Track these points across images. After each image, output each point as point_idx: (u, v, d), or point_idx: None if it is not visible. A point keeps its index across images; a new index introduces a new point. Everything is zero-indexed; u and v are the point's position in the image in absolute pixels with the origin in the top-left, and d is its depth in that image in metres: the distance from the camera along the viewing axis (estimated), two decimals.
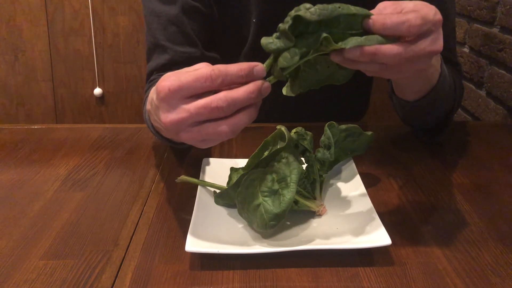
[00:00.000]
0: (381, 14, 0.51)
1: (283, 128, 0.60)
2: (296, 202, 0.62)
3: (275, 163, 0.59)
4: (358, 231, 0.59)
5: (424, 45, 0.52)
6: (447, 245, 0.60)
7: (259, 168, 0.60)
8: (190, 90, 0.49)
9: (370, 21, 0.51)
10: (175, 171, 0.78)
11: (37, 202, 0.69)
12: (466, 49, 1.41)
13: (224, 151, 0.84)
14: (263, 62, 0.52)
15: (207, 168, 0.73)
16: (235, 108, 0.49)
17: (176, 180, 0.68)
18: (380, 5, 0.54)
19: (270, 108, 0.84)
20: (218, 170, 0.72)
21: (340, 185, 0.71)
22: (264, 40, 0.51)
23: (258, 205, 0.57)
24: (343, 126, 0.70)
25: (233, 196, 0.61)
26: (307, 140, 0.66)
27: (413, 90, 0.75)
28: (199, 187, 0.67)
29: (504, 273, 0.55)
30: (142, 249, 0.59)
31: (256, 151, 0.61)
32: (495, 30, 1.25)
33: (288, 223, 0.62)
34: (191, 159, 0.82)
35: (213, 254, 0.55)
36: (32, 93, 1.90)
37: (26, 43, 1.84)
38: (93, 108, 1.95)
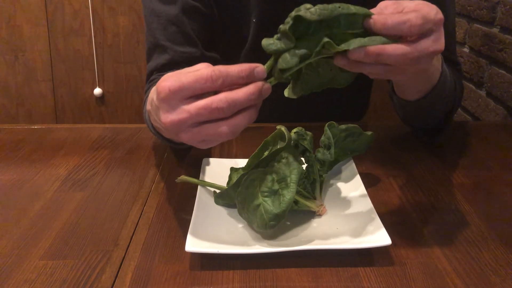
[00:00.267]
0: (382, 14, 0.51)
1: (283, 128, 0.60)
2: (296, 202, 0.62)
3: (275, 163, 0.59)
4: (358, 231, 0.59)
5: (427, 44, 0.51)
6: (447, 245, 0.60)
7: (259, 168, 0.60)
8: (191, 90, 0.49)
9: (371, 20, 0.51)
10: (175, 171, 0.78)
11: (37, 202, 0.69)
12: (466, 49, 1.41)
13: (224, 151, 0.84)
14: (263, 63, 0.52)
15: (207, 168, 0.73)
16: (235, 109, 0.49)
17: (176, 180, 0.68)
18: (381, 4, 0.54)
19: (271, 108, 0.84)
20: (218, 170, 0.72)
21: (340, 185, 0.71)
22: (265, 41, 0.51)
23: (258, 205, 0.57)
24: (343, 126, 0.70)
25: (233, 196, 0.61)
26: (307, 140, 0.66)
27: (414, 90, 0.75)
28: (199, 187, 0.67)
29: (504, 273, 0.55)
30: (142, 249, 0.59)
31: (256, 151, 0.61)
32: (495, 30, 1.25)
33: (288, 223, 0.62)
34: (191, 159, 0.82)
35: (213, 254, 0.55)
36: (32, 93, 1.90)
37: (26, 43, 1.84)
38: (93, 108, 1.95)
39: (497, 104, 1.24)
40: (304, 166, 0.64)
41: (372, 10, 0.53)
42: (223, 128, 0.49)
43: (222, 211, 0.64)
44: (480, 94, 1.33)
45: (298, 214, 0.63)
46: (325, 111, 1.03)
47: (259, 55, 0.56)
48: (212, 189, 0.67)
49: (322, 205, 0.64)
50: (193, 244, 0.55)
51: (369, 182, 0.74)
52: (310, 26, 0.50)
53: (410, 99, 0.77)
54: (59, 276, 0.54)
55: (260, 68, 0.50)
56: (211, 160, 0.76)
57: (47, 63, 1.87)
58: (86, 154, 0.84)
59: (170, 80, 0.49)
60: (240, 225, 0.61)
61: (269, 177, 0.58)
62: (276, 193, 0.57)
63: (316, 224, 0.62)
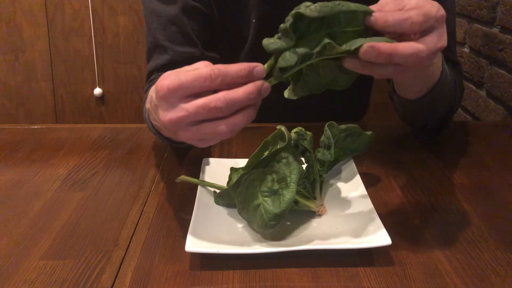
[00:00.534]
0: (382, 12, 0.51)
1: (283, 128, 0.60)
2: (296, 202, 0.62)
3: (275, 163, 0.59)
4: (358, 231, 0.59)
5: (433, 41, 0.51)
6: (447, 245, 0.60)
7: (259, 168, 0.60)
8: (189, 89, 0.49)
9: (372, 18, 0.50)
10: (175, 171, 0.78)
11: (37, 202, 0.69)
12: (466, 49, 1.41)
13: (224, 151, 0.84)
14: (263, 63, 0.52)
15: (207, 168, 0.73)
16: (233, 109, 0.49)
17: (176, 180, 0.68)
18: (382, 1, 0.54)
19: (271, 108, 0.84)
20: (218, 170, 0.72)
21: (340, 185, 0.71)
22: (266, 41, 0.51)
23: (258, 205, 0.57)
24: (343, 126, 0.70)
25: (233, 196, 0.61)
26: (307, 140, 0.66)
27: (415, 89, 0.75)
28: (199, 187, 0.67)
29: (504, 273, 0.55)
30: (142, 249, 0.59)
31: (256, 151, 0.61)
32: (495, 30, 1.25)
33: (288, 223, 0.62)
34: (191, 159, 0.82)
35: (213, 254, 0.55)
36: (32, 93, 1.90)
37: (26, 43, 1.84)
38: (93, 108, 1.95)
39: (497, 104, 1.24)
40: (304, 166, 0.64)
41: (373, 7, 0.52)
42: (222, 127, 0.49)
43: (222, 211, 0.64)
44: (480, 94, 1.33)
45: (298, 214, 0.63)
46: (325, 111, 1.03)
47: (259, 55, 0.56)
48: (212, 189, 0.67)
49: (322, 205, 0.64)
50: (193, 244, 0.55)
51: (369, 182, 0.74)
52: (310, 25, 0.50)
53: (411, 98, 0.77)
54: (59, 276, 0.54)
55: (259, 67, 0.50)
56: (211, 160, 0.76)
57: (47, 63, 1.87)
58: (86, 154, 0.84)
59: (169, 78, 0.49)
60: (240, 225, 0.61)
61: (269, 177, 0.58)
62: (276, 193, 0.57)
63: (316, 224, 0.62)
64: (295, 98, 0.57)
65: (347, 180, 0.71)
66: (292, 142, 0.64)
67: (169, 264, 0.56)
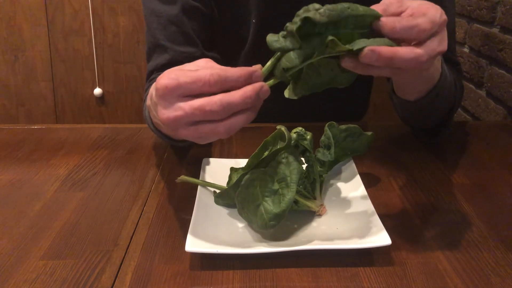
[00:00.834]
0: (391, 17, 0.51)
1: (283, 128, 0.60)
2: (296, 202, 0.62)
3: (275, 163, 0.59)
4: (358, 231, 0.59)
5: (433, 45, 0.52)
6: (447, 245, 0.60)
7: (259, 168, 0.60)
8: (187, 90, 0.49)
9: (380, 23, 0.51)
10: (175, 171, 0.78)
11: (37, 202, 0.69)
12: (466, 49, 1.41)
13: (224, 151, 0.84)
14: (263, 62, 0.52)
15: (207, 168, 0.73)
16: (230, 112, 0.49)
17: (176, 180, 0.68)
18: (385, 2, 0.54)
19: (271, 108, 0.84)
20: (218, 170, 0.72)
21: (340, 185, 0.71)
22: (270, 38, 0.51)
23: (258, 205, 0.57)
24: (343, 126, 0.70)
25: (233, 196, 0.61)
26: (307, 140, 0.66)
27: (414, 90, 0.75)
28: (199, 187, 0.67)
29: (504, 273, 0.55)
30: (142, 249, 0.59)
31: (256, 151, 0.61)
32: (495, 30, 1.25)
33: (288, 223, 0.62)
34: (191, 159, 0.82)
35: (213, 254, 0.55)
36: (32, 93, 1.90)
37: (26, 43, 1.84)
38: (93, 108, 1.95)
39: (497, 104, 1.24)
40: (304, 166, 0.64)
41: (376, 6, 0.52)
42: (219, 128, 0.50)
43: (222, 211, 0.64)
44: (480, 94, 1.33)
45: (298, 214, 0.63)
46: (325, 111, 1.03)
47: (259, 55, 0.56)
48: (212, 189, 0.67)
49: (322, 205, 0.64)
50: (193, 244, 0.55)
51: (369, 182, 0.74)
52: (316, 26, 0.50)
53: (410, 99, 0.77)
54: (59, 276, 0.54)
55: (258, 72, 0.50)
56: (211, 160, 0.76)
57: (47, 63, 1.87)
58: (86, 154, 0.84)
59: (169, 77, 0.49)
60: (240, 225, 0.61)
61: (269, 177, 0.58)
62: (276, 193, 0.57)
63: (316, 224, 0.62)
64: (295, 97, 0.57)
65: (347, 180, 0.71)
66: (292, 142, 0.64)
67: (169, 264, 0.56)
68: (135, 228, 0.63)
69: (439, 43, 0.53)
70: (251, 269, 0.55)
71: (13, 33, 1.83)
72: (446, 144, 0.90)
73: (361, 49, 0.50)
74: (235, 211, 0.62)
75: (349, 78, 0.56)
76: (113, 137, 0.91)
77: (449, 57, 0.87)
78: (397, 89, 0.79)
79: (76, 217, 0.65)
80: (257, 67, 0.51)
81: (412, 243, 0.60)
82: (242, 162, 0.71)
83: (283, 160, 0.58)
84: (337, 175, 0.73)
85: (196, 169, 0.73)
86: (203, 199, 0.65)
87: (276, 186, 0.57)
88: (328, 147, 0.70)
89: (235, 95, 0.49)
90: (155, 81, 0.89)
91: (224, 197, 0.64)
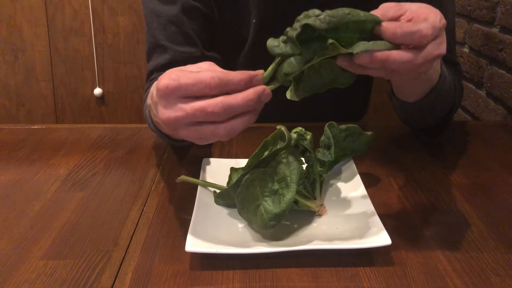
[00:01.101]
0: (392, 23, 0.51)
1: (283, 128, 0.60)
2: (296, 202, 0.62)
3: (275, 163, 0.59)
4: (358, 231, 0.59)
5: (431, 49, 0.52)
6: (447, 245, 0.60)
7: (259, 168, 0.60)
8: (188, 91, 0.49)
9: (381, 28, 0.51)
10: (175, 171, 0.78)
11: (37, 202, 0.69)
12: (466, 49, 1.41)
13: (224, 151, 0.84)
14: (263, 63, 0.52)
15: (207, 168, 0.73)
16: (231, 114, 0.49)
17: (176, 180, 0.68)
18: (383, 6, 0.54)
19: (271, 108, 0.83)
20: (218, 170, 0.72)
21: (340, 185, 0.71)
22: (270, 43, 0.51)
23: (258, 205, 0.57)
24: (343, 126, 0.70)
25: (233, 196, 0.61)
26: (307, 140, 0.66)
27: (413, 92, 0.75)
28: (199, 187, 0.67)
29: (504, 273, 0.55)
30: (142, 249, 0.59)
31: (256, 151, 0.61)
32: (495, 30, 1.25)
33: (288, 223, 0.62)
34: (191, 159, 0.82)
35: (213, 254, 0.55)
36: (32, 93, 1.90)
37: (26, 43, 1.84)
38: (93, 108, 1.95)
39: (497, 104, 1.24)
40: (304, 166, 0.64)
41: (375, 12, 0.53)
42: (220, 130, 0.50)
43: (222, 211, 0.64)
44: (480, 94, 1.33)
45: (298, 214, 0.63)
46: (325, 111, 1.03)
47: (259, 55, 0.56)
48: (212, 189, 0.67)
49: (322, 205, 0.64)
50: (193, 244, 0.55)
51: (369, 182, 0.74)
52: (316, 30, 0.50)
53: (409, 101, 0.77)
54: (59, 276, 0.54)
55: (258, 76, 0.50)
56: (211, 160, 0.76)
57: (47, 63, 1.87)
58: (86, 154, 0.84)
59: (169, 78, 0.50)
60: (240, 225, 0.61)
61: (269, 177, 0.58)
62: (276, 193, 0.57)
63: (316, 224, 0.62)
64: (297, 99, 0.57)
65: (347, 180, 0.71)
66: (292, 142, 0.64)
67: (169, 264, 0.56)
68: (135, 228, 0.63)
69: (437, 47, 0.53)
70: (251, 269, 0.55)
71: (13, 33, 1.83)
72: (446, 144, 0.90)
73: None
74: (235, 211, 0.62)
75: (350, 78, 0.56)
76: (113, 137, 0.91)
77: (449, 57, 0.87)
78: (396, 91, 0.79)
79: (76, 217, 0.65)
80: (259, 72, 0.51)
81: (412, 243, 0.60)
82: (242, 162, 0.71)
83: (283, 160, 0.58)
84: (337, 175, 0.73)
85: (196, 169, 0.73)
86: (203, 199, 0.65)
87: (276, 186, 0.57)
88: (328, 147, 0.70)
89: (237, 98, 0.49)
90: (155, 81, 0.89)
91: (224, 197, 0.64)
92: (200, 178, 0.70)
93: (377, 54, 0.50)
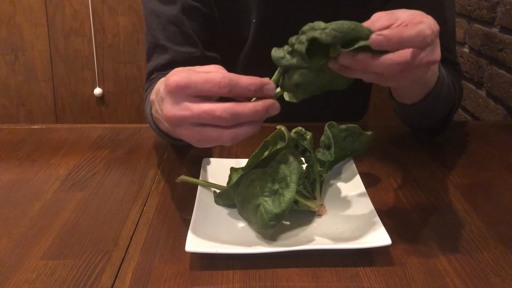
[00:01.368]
0: (395, 29, 0.50)
1: (283, 128, 0.60)
2: (296, 202, 0.62)
3: (275, 163, 0.59)
4: (358, 231, 0.59)
5: (421, 55, 0.51)
6: (447, 245, 0.60)
7: (259, 168, 0.60)
8: (197, 90, 0.49)
9: (374, 43, 0.49)
10: (175, 171, 0.78)
11: (37, 202, 0.69)
12: (466, 49, 1.41)
13: (224, 151, 0.84)
14: (263, 62, 0.52)
15: (207, 168, 0.73)
16: (237, 122, 0.50)
17: (176, 180, 0.68)
18: (374, 17, 0.54)
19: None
20: (218, 170, 0.72)
21: (340, 185, 0.71)
22: (276, 54, 0.52)
23: (258, 205, 0.57)
24: (343, 126, 0.70)
25: (233, 196, 0.61)
26: (307, 140, 0.66)
27: (411, 95, 0.75)
28: (199, 187, 0.67)
29: (504, 273, 0.55)
30: (142, 249, 0.59)
31: (256, 151, 0.61)
32: (495, 30, 1.25)
33: (288, 223, 0.62)
34: (191, 159, 0.82)
35: (213, 254, 0.55)
36: (32, 93, 1.90)
37: (26, 43, 1.84)
38: (93, 108, 1.95)
39: (497, 104, 1.24)
40: (304, 166, 0.64)
41: (366, 23, 0.52)
42: (224, 135, 0.50)
43: (222, 211, 0.64)
44: (480, 94, 1.33)
45: (298, 214, 0.63)
46: (325, 111, 1.02)
47: (259, 55, 0.56)
48: (212, 189, 0.67)
49: (322, 205, 0.64)
50: (193, 244, 0.55)
51: (369, 182, 0.74)
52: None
53: (407, 103, 0.77)
54: (59, 276, 0.54)
55: (271, 85, 0.51)
56: (211, 160, 0.76)
57: (47, 63, 1.87)
58: (86, 154, 0.84)
59: (181, 75, 0.50)
60: (240, 225, 0.61)
61: (269, 177, 0.58)
62: (276, 193, 0.57)
63: (316, 224, 0.62)
64: (296, 101, 0.57)
65: (347, 180, 0.71)
66: (292, 142, 0.64)
67: (169, 264, 0.56)
68: (135, 228, 0.63)
69: (430, 53, 0.52)
70: (251, 269, 0.55)
71: (13, 33, 1.83)
72: (446, 144, 0.90)
73: None
74: (235, 211, 0.62)
75: (347, 80, 0.56)
76: (113, 137, 0.91)
77: (448, 57, 0.87)
78: (394, 93, 0.79)
79: (76, 217, 0.65)
80: (270, 81, 0.51)
81: (412, 243, 0.60)
82: (242, 162, 0.71)
83: (283, 160, 0.58)
84: (337, 175, 0.73)
85: (196, 169, 0.73)
86: (203, 199, 0.65)
87: (276, 186, 0.57)
88: (328, 147, 0.70)
89: (246, 107, 0.49)
90: (155, 81, 0.89)
91: (224, 197, 0.64)
92: (200, 178, 0.70)
93: (359, 56, 0.50)
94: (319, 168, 0.68)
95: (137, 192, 0.72)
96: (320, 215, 0.64)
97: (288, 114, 0.98)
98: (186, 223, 0.59)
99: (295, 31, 0.52)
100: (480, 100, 1.33)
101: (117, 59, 1.88)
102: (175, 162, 0.81)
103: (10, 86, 1.89)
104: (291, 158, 0.58)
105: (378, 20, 0.53)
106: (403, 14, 0.53)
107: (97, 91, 1.90)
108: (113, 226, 0.63)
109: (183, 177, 0.68)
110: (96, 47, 1.85)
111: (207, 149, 0.84)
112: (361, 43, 0.50)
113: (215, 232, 0.58)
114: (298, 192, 0.61)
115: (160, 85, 0.56)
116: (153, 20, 0.88)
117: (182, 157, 0.83)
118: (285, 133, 0.60)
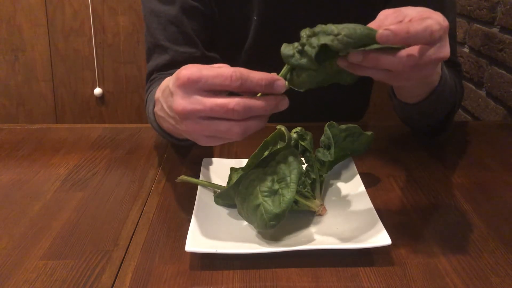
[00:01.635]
0: (401, 29, 0.50)
1: (283, 128, 0.60)
2: (296, 202, 0.62)
3: (275, 163, 0.59)
4: (358, 231, 0.59)
5: (430, 52, 0.51)
6: (447, 245, 0.60)
7: (259, 168, 0.60)
8: (209, 84, 0.50)
9: (382, 37, 0.50)
10: (175, 171, 0.78)
11: (37, 202, 0.69)
12: (466, 49, 1.41)
13: (224, 151, 0.84)
14: (265, 60, 0.52)
15: (207, 168, 0.73)
16: (248, 115, 0.50)
17: (176, 180, 0.68)
18: (381, 15, 0.54)
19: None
20: (218, 170, 0.72)
21: (340, 185, 0.71)
22: (285, 51, 0.52)
23: (258, 205, 0.57)
24: (343, 126, 0.70)
25: (233, 196, 0.61)
26: (307, 140, 0.66)
27: (414, 94, 0.75)
28: (199, 187, 0.67)
29: (504, 273, 0.55)
30: (142, 249, 0.59)
31: (256, 151, 0.61)
32: (495, 30, 1.25)
33: (288, 223, 0.62)
34: (192, 159, 0.82)
35: (213, 254, 0.55)
36: (32, 93, 1.90)
37: (26, 43, 1.84)
38: (93, 108, 1.94)
39: (497, 104, 1.24)
40: (304, 166, 0.64)
41: (373, 23, 0.52)
42: (236, 128, 0.50)
43: (222, 211, 0.64)
44: (480, 94, 1.33)
45: (298, 214, 0.63)
46: (325, 111, 1.03)
47: (261, 53, 0.56)
48: (212, 189, 0.67)
49: (322, 205, 0.64)
50: (193, 244, 0.55)
51: (369, 182, 0.74)
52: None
53: (410, 102, 0.77)
54: (59, 276, 0.54)
55: (281, 82, 0.51)
56: (211, 160, 0.76)
57: (47, 63, 1.87)
58: (86, 154, 0.84)
59: (192, 69, 0.50)
60: (240, 225, 0.61)
61: (269, 177, 0.58)
62: (276, 193, 0.57)
63: (316, 224, 0.62)
64: (302, 90, 0.57)
65: (347, 180, 0.71)
66: (292, 142, 0.64)
67: (169, 264, 0.56)
68: (135, 228, 0.63)
69: (439, 50, 0.52)
70: (251, 269, 0.55)
71: (13, 33, 1.83)
72: (446, 144, 0.90)
73: None
74: (235, 211, 0.62)
75: (354, 76, 0.56)
76: (113, 137, 0.91)
77: (450, 58, 0.86)
78: (397, 92, 0.79)
79: (76, 217, 0.65)
80: (279, 77, 0.52)
81: (412, 243, 0.60)
82: (242, 162, 0.71)
83: (283, 160, 0.58)
84: (337, 175, 0.73)
85: (196, 169, 0.73)
86: (203, 199, 0.65)
87: (276, 186, 0.57)
88: (328, 147, 0.70)
89: (258, 101, 0.50)
90: (156, 81, 0.89)
91: (224, 197, 0.64)
92: (200, 178, 0.70)
93: (369, 53, 0.50)
94: (319, 168, 0.68)
95: (137, 192, 0.72)
96: (320, 215, 0.64)
97: (288, 114, 0.98)
98: (186, 223, 0.59)
99: (296, 29, 0.52)
100: (480, 100, 1.33)
101: (117, 59, 1.88)
102: (175, 162, 0.81)
103: (10, 86, 1.89)
104: (291, 158, 0.58)
105: (386, 18, 0.53)
106: (411, 11, 0.53)
107: (97, 91, 1.90)
108: (113, 226, 0.63)
109: (183, 177, 0.68)
110: (96, 47, 1.85)
111: (208, 149, 0.84)
112: (373, 46, 0.50)
113: (215, 232, 0.58)
114: (298, 192, 0.61)
115: (168, 81, 0.56)
116: (152, 20, 0.88)
117: (182, 157, 0.83)
118: (285, 133, 0.60)
